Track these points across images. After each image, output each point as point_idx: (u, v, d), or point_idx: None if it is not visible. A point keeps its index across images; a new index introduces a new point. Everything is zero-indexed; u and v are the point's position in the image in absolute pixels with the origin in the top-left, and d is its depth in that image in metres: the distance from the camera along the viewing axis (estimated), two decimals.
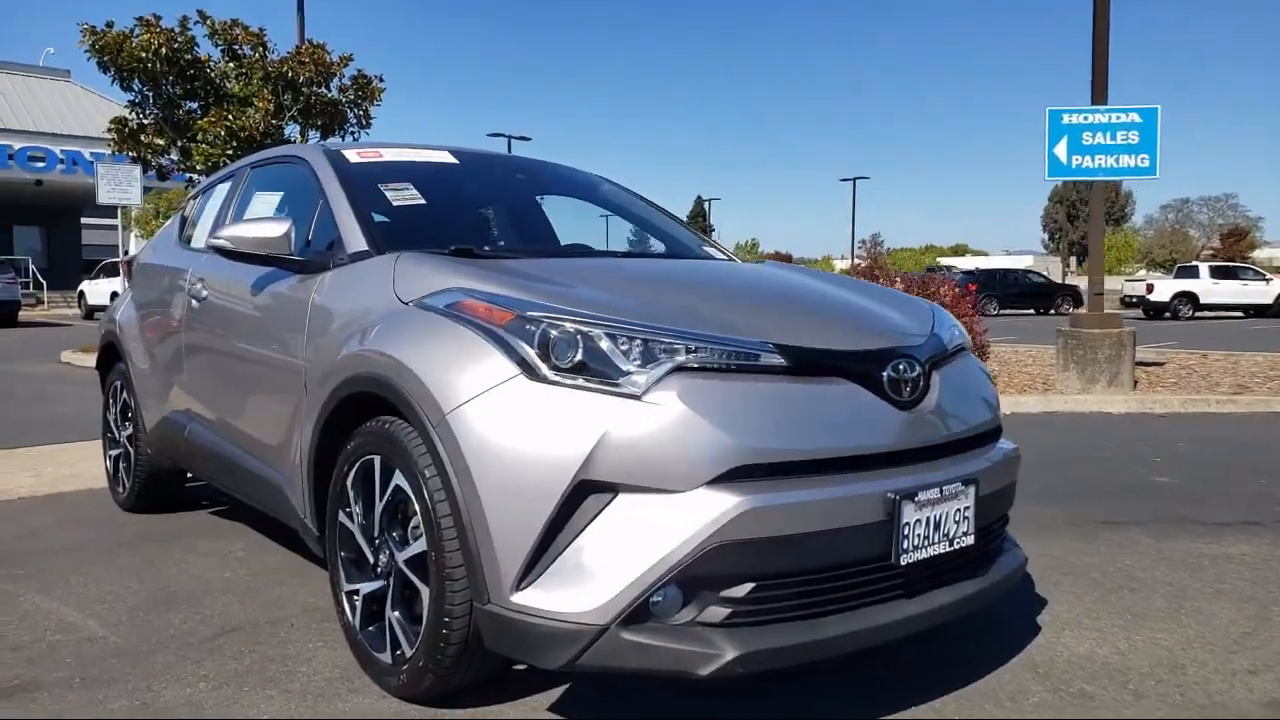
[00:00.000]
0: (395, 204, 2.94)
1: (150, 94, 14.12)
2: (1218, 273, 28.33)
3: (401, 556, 2.26)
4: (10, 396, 8.92)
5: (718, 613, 1.96)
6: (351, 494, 2.43)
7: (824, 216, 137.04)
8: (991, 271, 33.55)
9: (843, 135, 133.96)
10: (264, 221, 2.82)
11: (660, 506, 1.93)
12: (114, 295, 23.88)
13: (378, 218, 2.85)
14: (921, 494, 2.11)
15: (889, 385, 2.18)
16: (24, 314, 22.69)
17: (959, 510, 2.20)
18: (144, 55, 13.49)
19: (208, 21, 14.16)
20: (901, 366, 2.22)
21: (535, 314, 2.11)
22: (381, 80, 14.83)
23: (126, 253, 31.82)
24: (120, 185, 13.14)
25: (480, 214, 3.38)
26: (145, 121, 14.42)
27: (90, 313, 24.96)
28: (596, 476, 1.95)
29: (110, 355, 4.38)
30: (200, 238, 3.79)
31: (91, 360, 13.03)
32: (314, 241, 2.95)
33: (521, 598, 1.98)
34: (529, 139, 39.38)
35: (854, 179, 50.49)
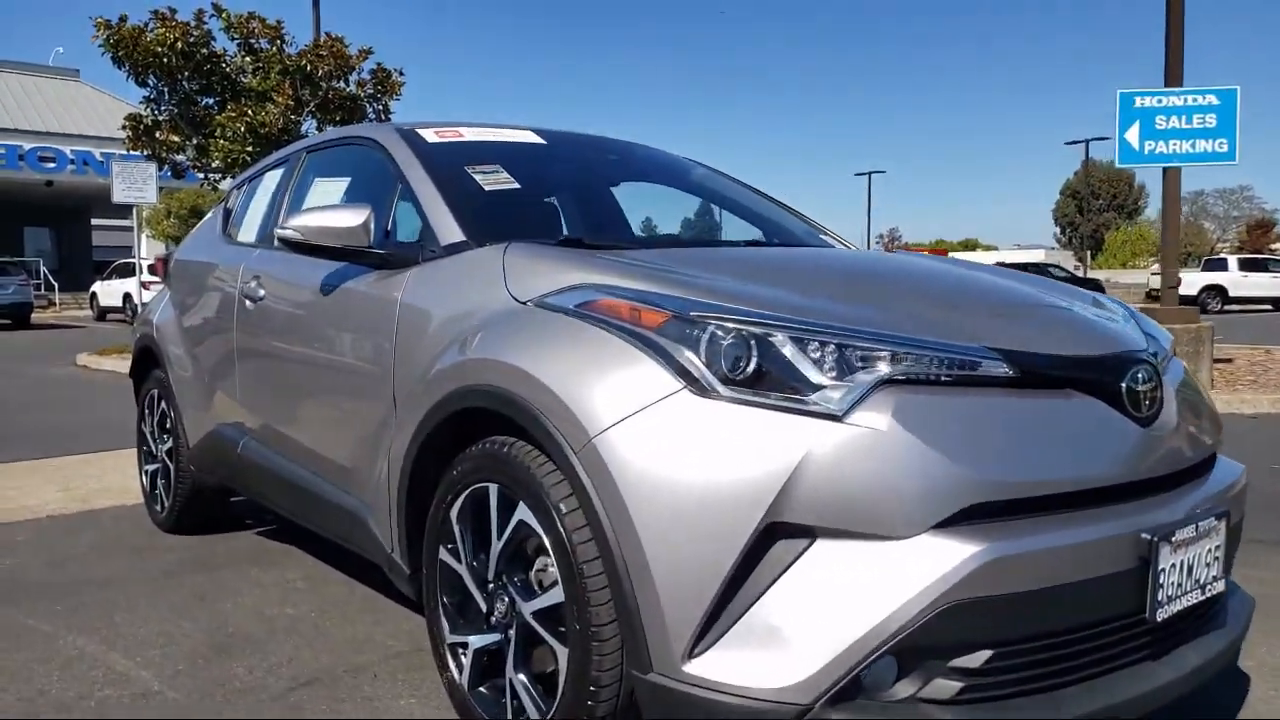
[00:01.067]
0: (487, 189, 2.56)
1: (166, 90, 13.78)
2: (1247, 265, 27.85)
3: (528, 608, 1.87)
4: (28, 403, 8.58)
5: (946, 687, 1.57)
6: (457, 529, 2.05)
7: (834, 210, 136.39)
8: (1012, 265, 32.98)
9: (852, 129, 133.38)
10: (339, 210, 2.44)
11: (874, 556, 1.54)
12: (126, 297, 23.57)
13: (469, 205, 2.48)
14: (1178, 532, 1.72)
15: (1128, 398, 1.79)
16: (36, 316, 22.41)
17: (1211, 550, 1.80)
18: (159, 50, 13.14)
19: (223, 15, 13.80)
20: (1140, 375, 1.82)
21: (696, 314, 1.73)
22: (402, 74, 14.48)
23: (140, 253, 31.60)
24: (136, 184, 12.79)
25: (579, 199, 2.99)
26: (161, 118, 14.08)
27: (103, 314, 24.65)
28: (789, 518, 1.57)
29: (146, 361, 4.01)
30: (249, 231, 3.41)
31: (108, 364, 12.78)
32: (393, 232, 2.58)
33: (698, 667, 1.60)
34: None
35: (869, 173, 50.01)
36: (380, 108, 14.55)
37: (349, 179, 2.92)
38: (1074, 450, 1.69)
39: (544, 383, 1.80)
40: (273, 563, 3.49)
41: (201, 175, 15.05)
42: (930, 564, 1.51)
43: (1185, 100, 7.29)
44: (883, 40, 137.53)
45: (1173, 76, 7.37)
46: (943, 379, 1.68)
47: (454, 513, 2.05)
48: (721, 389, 1.64)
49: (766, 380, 1.64)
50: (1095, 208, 62.65)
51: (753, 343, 1.66)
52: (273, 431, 2.91)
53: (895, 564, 1.52)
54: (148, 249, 31.82)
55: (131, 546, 3.72)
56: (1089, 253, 60.53)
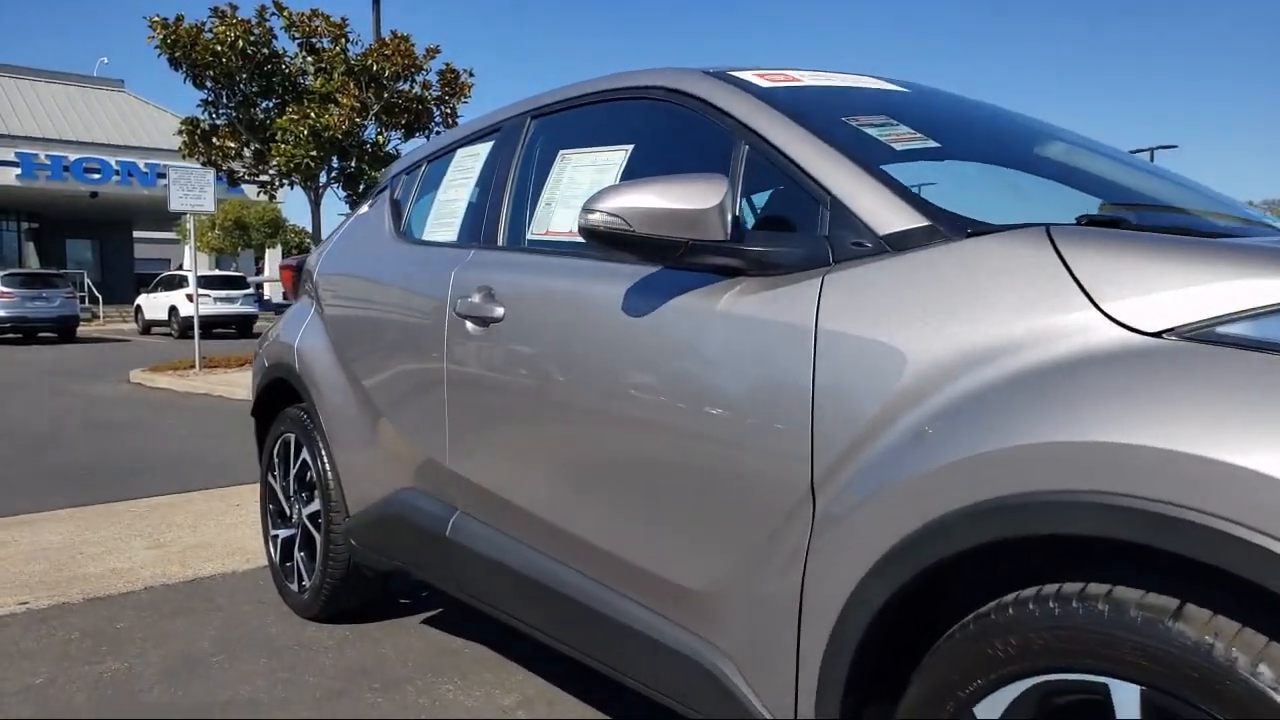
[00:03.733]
0: (898, 148, 1.65)
1: (224, 92, 13.10)
2: None
3: None
4: (85, 425, 7.79)
5: None
6: None
7: None
8: None
9: None
10: (685, 183, 1.54)
11: None
12: (173, 310, 22.98)
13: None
14: None
15: None
16: (80, 329, 21.85)
17: None
18: (218, 49, 12.47)
19: (285, 13, 13.12)
20: None
21: None
22: (471, 74, 13.70)
23: (181, 266, 31.11)
24: (193, 191, 12.04)
25: (1006, 167, 2.05)
26: (218, 122, 13.40)
27: (147, 328, 24.08)
28: None
29: (277, 396, 3.13)
30: (443, 228, 2.52)
31: (163, 381, 12.01)
32: (745, 221, 1.67)
33: None
34: None
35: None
36: (448, 110, 13.78)
37: (626, 148, 2.01)
38: None
39: None
40: (467, 672, 2.59)
41: (258, 182, 14.37)
42: None
43: None
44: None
45: None
46: None
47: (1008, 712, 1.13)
48: None
49: None
50: None
51: None
52: (521, 514, 1.99)
53: None
54: (189, 261, 31.41)
55: (269, 643, 2.84)
56: None
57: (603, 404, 1.74)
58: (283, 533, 3.09)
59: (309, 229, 50.17)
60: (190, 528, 4.32)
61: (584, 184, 2.03)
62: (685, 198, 1.52)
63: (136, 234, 37.13)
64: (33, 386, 11.19)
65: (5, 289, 19.36)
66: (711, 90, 1.81)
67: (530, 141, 2.32)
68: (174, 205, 11.96)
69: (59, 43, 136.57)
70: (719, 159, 1.73)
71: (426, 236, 2.57)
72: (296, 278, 3.26)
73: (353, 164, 13.38)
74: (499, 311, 2.05)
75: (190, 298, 22.27)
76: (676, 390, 1.60)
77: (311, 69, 13.20)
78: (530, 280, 2.02)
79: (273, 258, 37.79)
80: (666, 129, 1.96)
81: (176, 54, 12.50)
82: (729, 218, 1.52)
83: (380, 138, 13.70)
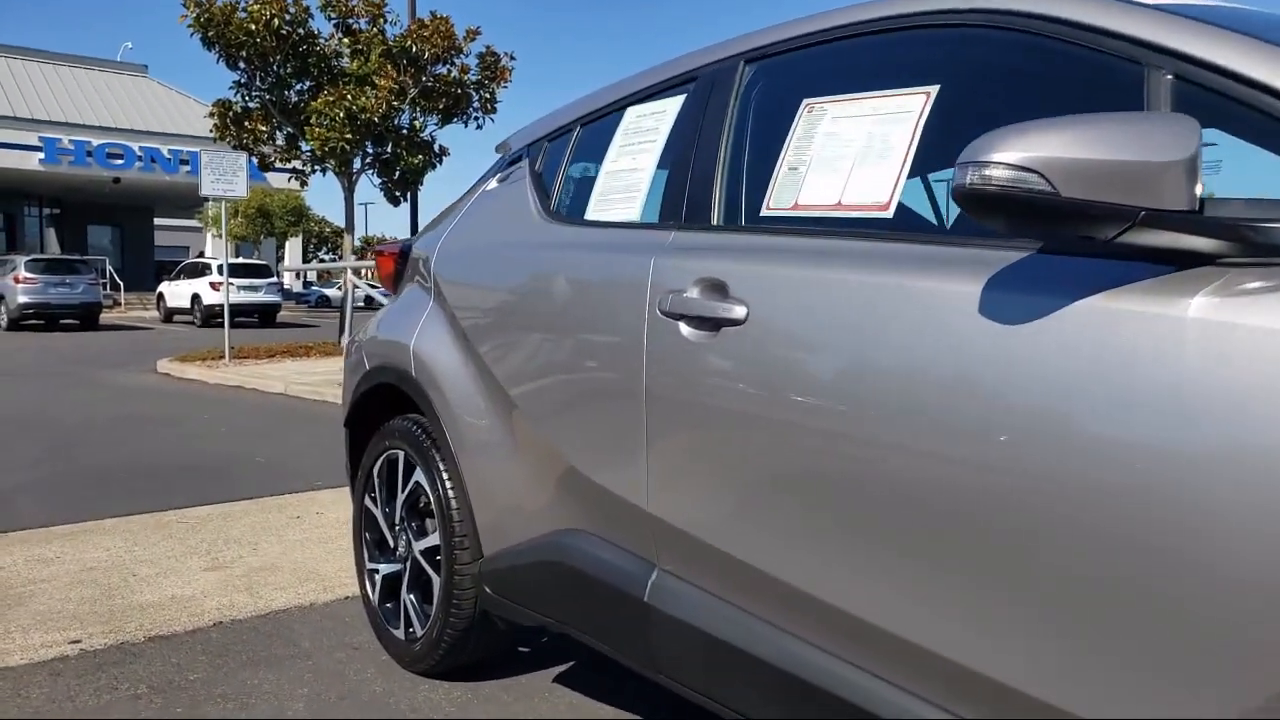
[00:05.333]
0: None
1: (258, 74, 12.63)
2: None
3: None
4: (117, 420, 7.33)
5: None
6: None
7: None
8: None
9: None
10: (1131, 126, 1.03)
11: None
12: (195, 298, 22.55)
13: None
14: None
15: None
16: (102, 316, 21.47)
17: None
18: (252, 29, 12.00)
19: None
20: None
21: None
22: (513, 57, 13.17)
23: (202, 254, 30.70)
24: (225, 175, 11.57)
25: None
26: (250, 105, 12.94)
27: (169, 315, 23.69)
28: None
29: (383, 404, 2.63)
30: (610, 203, 2.01)
31: (193, 371, 11.53)
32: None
33: None
34: None
35: None
36: (486, 95, 13.27)
37: (923, 91, 1.48)
38: None
39: None
40: None
41: (290, 170, 13.93)
42: None
43: None
44: None
45: None
46: None
47: None
48: None
49: None
50: None
51: None
52: (771, 584, 1.46)
53: None
54: (212, 248, 31.02)
55: (377, 707, 2.34)
56: None
57: (940, 447, 1.23)
58: (385, 568, 2.59)
59: (328, 218, 49.77)
60: (250, 544, 3.84)
61: (855, 140, 1.52)
62: (1138, 146, 1.01)
63: (155, 221, 36.86)
64: (58, 376, 10.77)
65: (28, 275, 19.00)
66: (1093, 11, 1.28)
67: (748, 91, 1.81)
68: (205, 190, 11.50)
69: (82, 27, 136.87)
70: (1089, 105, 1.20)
71: (593, 216, 2.06)
72: (400, 266, 2.76)
73: (389, 149, 12.89)
74: (739, 312, 1.54)
75: (214, 286, 21.94)
76: (1094, 439, 1.08)
77: (347, 50, 12.72)
78: (788, 271, 1.50)
79: (293, 246, 37.43)
80: (979, 67, 1.45)
81: (209, 33, 12.04)
82: (1198, 180, 1.01)
83: (417, 123, 13.22)
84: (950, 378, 1.23)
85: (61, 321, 19.88)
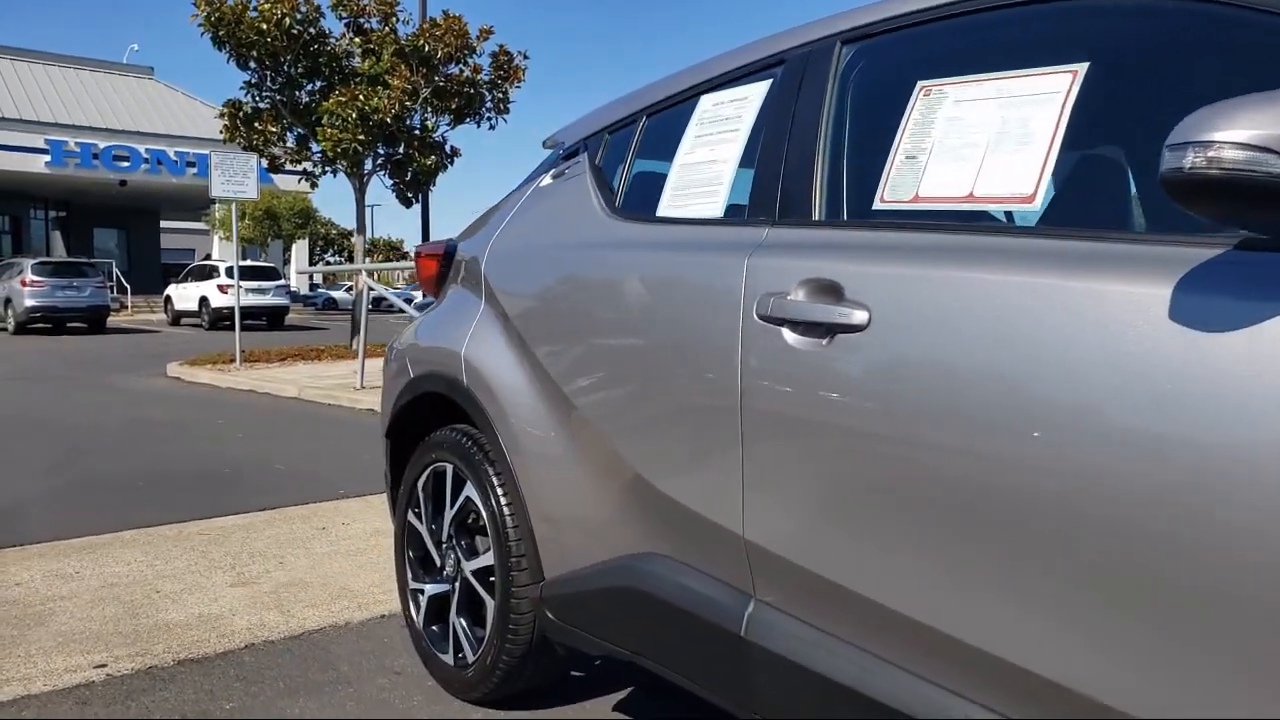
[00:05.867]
0: None
1: (269, 74, 12.50)
2: None
3: None
4: (129, 423, 7.19)
5: None
6: None
7: None
8: None
9: None
10: None
11: None
12: (203, 301, 22.42)
13: None
14: None
15: None
16: (110, 319, 21.35)
17: None
18: (263, 28, 11.87)
19: None
20: None
21: None
22: (526, 57, 13.03)
23: (208, 256, 30.60)
24: (235, 177, 11.43)
25: None
26: (261, 105, 12.81)
27: (177, 318, 23.58)
28: None
29: (428, 414, 2.48)
30: (688, 198, 1.85)
31: (204, 375, 11.37)
32: None
33: None
34: None
35: None
36: (500, 95, 13.12)
37: (1068, 70, 1.32)
38: None
39: None
40: None
41: (298, 171, 13.80)
42: None
43: None
44: None
45: None
46: None
47: None
48: None
49: None
50: None
51: None
52: (900, 624, 1.32)
53: None
54: (219, 250, 30.90)
55: None
56: None
57: (1115, 472, 1.06)
58: (431, 588, 2.44)
59: (335, 220, 49.55)
60: (276, 558, 3.69)
61: (987, 126, 1.36)
62: None
63: (161, 224, 36.78)
64: (68, 380, 10.64)
65: (36, 278, 18.88)
66: None
67: (847, 74, 1.65)
68: (216, 192, 11.36)
69: (88, 29, 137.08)
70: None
71: (667, 212, 1.90)
72: (444, 268, 2.60)
73: (401, 150, 12.75)
74: (859, 317, 1.38)
75: (222, 289, 21.82)
76: None
77: (359, 50, 12.58)
78: (916, 271, 1.33)
79: (299, 249, 37.32)
80: (1139, 41, 1.29)
81: (220, 33, 11.91)
82: None
83: (429, 123, 13.07)
84: (1130, 391, 1.07)
85: (69, 325, 19.77)
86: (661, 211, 1.91)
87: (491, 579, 2.20)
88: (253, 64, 12.36)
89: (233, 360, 11.62)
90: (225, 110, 12.80)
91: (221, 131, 12.94)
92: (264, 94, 12.70)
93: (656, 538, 1.76)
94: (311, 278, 40.49)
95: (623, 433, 1.81)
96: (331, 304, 37.92)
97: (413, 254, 3.10)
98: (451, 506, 2.34)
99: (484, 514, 2.20)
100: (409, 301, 12.11)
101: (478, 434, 2.27)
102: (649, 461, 1.75)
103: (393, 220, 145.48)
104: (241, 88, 12.64)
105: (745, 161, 1.77)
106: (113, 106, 30.18)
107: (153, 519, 4.24)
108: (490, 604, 2.20)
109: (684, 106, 1.99)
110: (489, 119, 13.29)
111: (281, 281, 23.38)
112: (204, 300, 22.19)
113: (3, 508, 4.50)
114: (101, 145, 27.92)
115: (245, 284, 20.88)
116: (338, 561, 3.65)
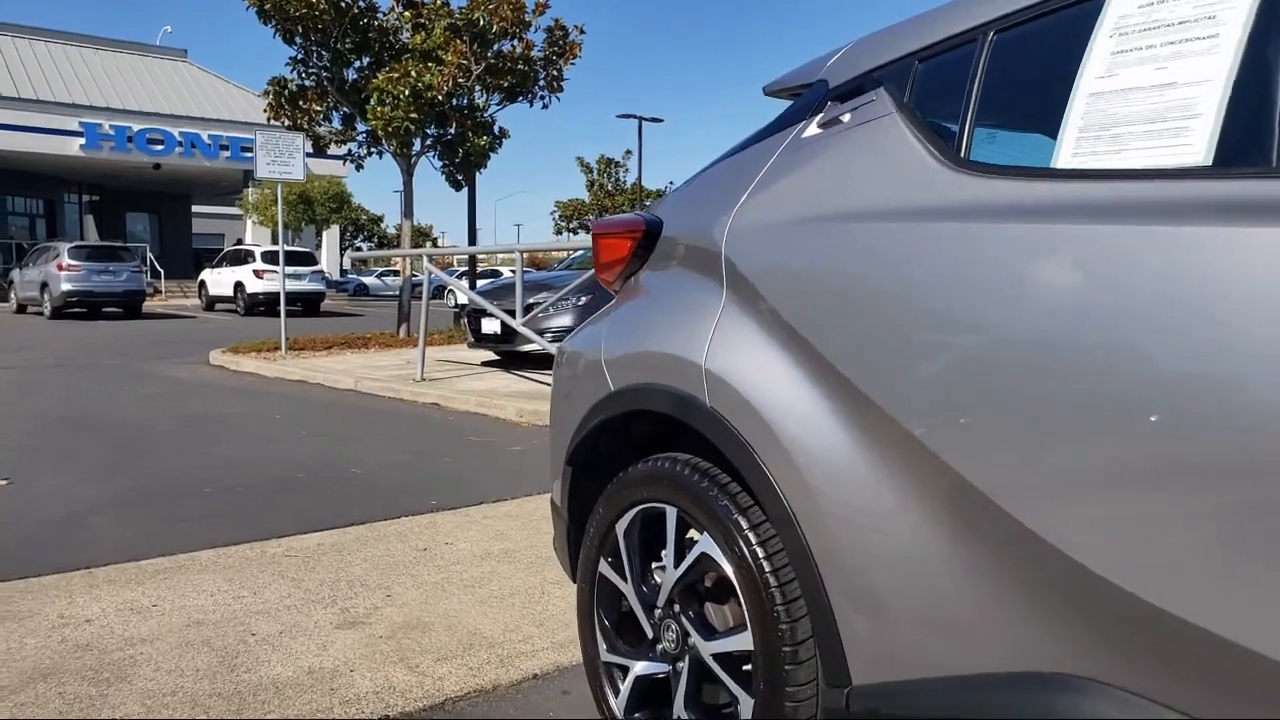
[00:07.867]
0: None
1: (316, 49, 11.97)
2: None
3: None
4: (183, 420, 6.69)
5: None
6: None
7: None
8: None
9: None
10: None
11: None
12: (238, 286, 21.99)
13: None
14: None
15: None
16: (145, 304, 21.01)
17: None
18: (312, 1, 11.33)
19: None
20: None
21: None
22: (582, 32, 12.40)
23: (241, 241, 30.23)
24: (281, 157, 10.92)
25: None
26: (307, 83, 12.29)
27: (211, 304, 23.23)
28: None
29: (623, 435, 1.90)
30: (1120, 140, 1.25)
31: (248, 364, 10.77)
32: None
33: None
34: (661, 120, 36.99)
35: None
36: (555, 73, 12.52)
37: None
38: None
39: None
40: None
41: (341, 155, 13.29)
42: None
43: None
44: None
45: None
46: None
47: None
48: None
49: None
50: None
51: None
52: None
53: None
54: (252, 235, 30.53)
55: None
56: None
57: None
58: (639, 666, 1.86)
59: (366, 206, 49.26)
60: (381, 589, 3.14)
61: None
62: None
63: (192, 208, 36.57)
64: (110, 369, 10.21)
65: (72, 262, 18.55)
66: None
67: None
68: (260, 172, 10.86)
69: (121, 10, 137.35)
70: None
71: (1074, 162, 1.30)
72: (641, 250, 2.02)
73: (452, 130, 12.18)
74: None
75: (258, 274, 21.40)
76: None
77: (409, 24, 12.01)
78: None
79: (331, 235, 36.96)
80: None
81: (267, 6, 11.38)
82: None
83: (480, 102, 12.49)
84: None
85: (104, 310, 19.45)
86: (1060, 161, 1.31)
87: (746, 667, 1.62)
88: (299, 39, 11.83)
89: (277, 348, 11.14)
90: (270, 88, 12.29)
91: (266, 110, 12.44)
92: (310, 70, 12.18)
93: (1088, 651, 1.17)
94: (342, 263, 40.12)
95: (1025, 491, 1.22)
96: (363, 289, 37.57)
97: (590, 232, 2.50)
98: (678, 564, 1.76)
99: (737, 581, 1.61)
100: (472, 288, 11.53)
101: (716, 471, 1.69)
102: (1077, 532, 1.16)
103: (426, 205, 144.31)
104: (287, 64, 12.13)
105: (1240, 82, 1.16)
106: (146, 89, 29.87)
107: (228, 536, 3.72)
108: (745, 702, 1.62)
109: (1071, 13, 1.38)
110: (542, 98, 12.69)
111: (317, 267, 22.96)
112: (239, 285, 21.81)
113: (61, 520, 3.99)
114: (136, 128, 27.61)
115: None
116: (455, 595, 3.09)
